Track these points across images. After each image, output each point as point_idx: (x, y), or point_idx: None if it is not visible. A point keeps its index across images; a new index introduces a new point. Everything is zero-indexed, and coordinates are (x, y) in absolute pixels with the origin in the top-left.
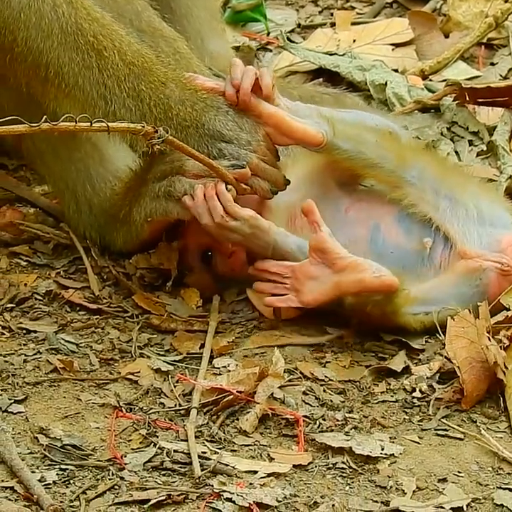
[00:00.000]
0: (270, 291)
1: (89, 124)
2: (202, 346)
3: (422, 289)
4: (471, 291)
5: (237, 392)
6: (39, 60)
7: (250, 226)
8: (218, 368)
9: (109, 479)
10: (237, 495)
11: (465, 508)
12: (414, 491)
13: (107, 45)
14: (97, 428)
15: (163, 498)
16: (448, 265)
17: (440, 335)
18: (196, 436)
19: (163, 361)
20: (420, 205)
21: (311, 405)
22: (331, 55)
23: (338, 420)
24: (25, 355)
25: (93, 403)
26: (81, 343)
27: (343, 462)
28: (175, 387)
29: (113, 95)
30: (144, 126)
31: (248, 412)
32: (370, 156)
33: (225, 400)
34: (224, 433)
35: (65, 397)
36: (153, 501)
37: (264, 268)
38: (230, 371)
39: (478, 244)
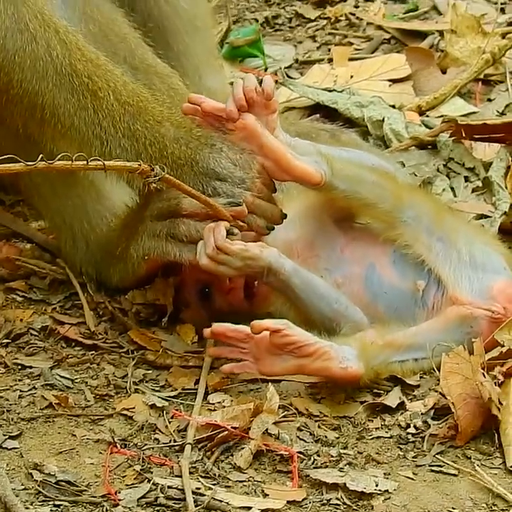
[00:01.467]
0: (226, 356)
1: (85, 162)
2: (197, 382)
3: (409, 334)
4: (463, 338)
5: (232, 427)
6: (35, 101)
7: (242, 258)
8: (213, 404)
9: None
10: None
11: None
12: None
13: (102, 85)
14: (92, 464)
15: None
16: (440, 309)
17: (435, 371)
18: (190, 472)
19: (158, 397)
20: (415, 246)
21: (305, 441)
22: (329, 91)
23: (332, 456)
24: (21, 391)
25: (88, 439)
26: (76, 378)
27: (337, 498)
28: (169, 423)
29: (108, 135)
30: (140, 165)
31: (242, 448)
32: (367, 196)
33: (219, 435)
34: (218, 469)
35: (59, 433)
36: None
37: (220, 332)
38: (224, 407)
39: (469, 290)
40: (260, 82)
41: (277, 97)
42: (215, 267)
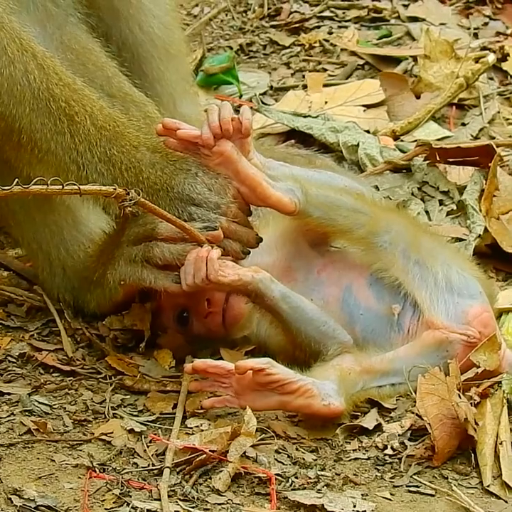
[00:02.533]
0: (207, 390)
1: (61, 187)
2: (175, 406)
3: (386, 360)
4: (438, 362)
5: (210, 451)
6: (12, 125)
7: (231, 287)
8: (191, 428)
9: None
10: None
11: None
12: None
13: (79, 110)
14: (71, 488)
15: None
16: (416, 333)
17: (411, 393)
18: (169, 496)
19: (137, 422)
20: (391, 269)
21: (283, 463)
22: (304, 117)
23: (310, 478)
24: None
25: (66, 464)
26: (54, 404)
27: None
28: (148, 447)
29: (85, 160)
30: (115, 189)
31: (221, 471)
32: (342, 223)
33: (197, 459)
34: (197, 492)
35: (38, 459)
36: None
37: (201, 368)
38: (202, 430)
39: (445, 314)
40: (236, 108)
41: (251, 119)
42: (202, 286)
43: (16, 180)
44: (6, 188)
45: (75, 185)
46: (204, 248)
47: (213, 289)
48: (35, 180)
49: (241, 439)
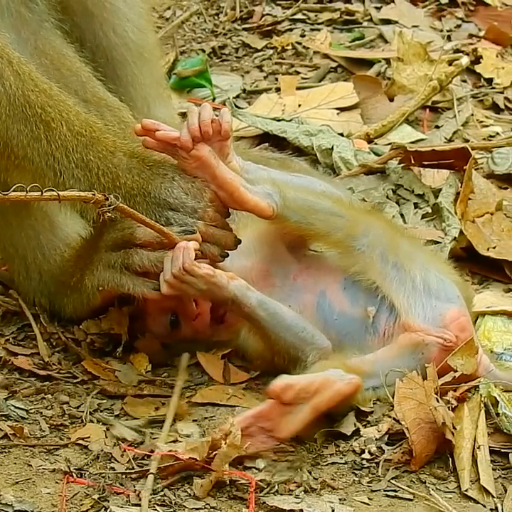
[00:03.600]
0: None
1: (40, 193)
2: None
3: (368, 362)
4: (415, 365)
5: (191, 458)
6: None
7: (206, 283)
8: (174, 434)
9: None
10: None
11: None
12: None
13: (55, 116)
14: (48, 493)
15: None
16: (392, 335)
17: (388, 397)
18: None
19: (113, 426)
20: (368, 273)
21: (260, 469)
22: (278, 120)
23: (288, 483)
24: None
25: (44, 469)
26: (31, 409)
27: None
28: (125, 451)
29: (62, 166)
30: (94, 194)
31: (202, 478)
32: (320, 227)
33: (177, 465)
34: (174, 496)
35: (15, 463)
36: None
37: (243, 425)
38: (188, 436)
39: (422, 317)
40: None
41: (231, 122)
42: (178, 285)
43: None
44: None
45: (54, 191)
46: (182, 242)
47: (192, 294)
48: (14, 187)
49: (226, 450)
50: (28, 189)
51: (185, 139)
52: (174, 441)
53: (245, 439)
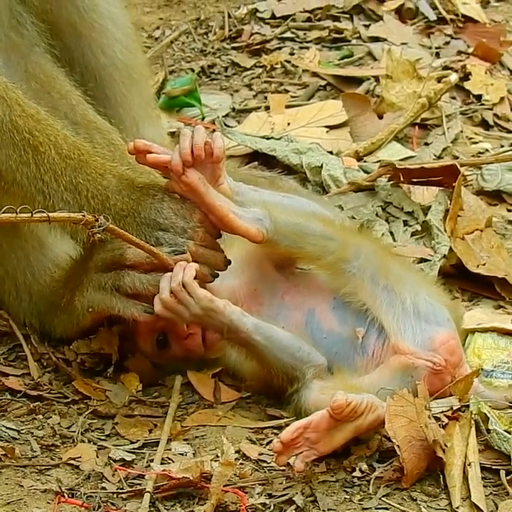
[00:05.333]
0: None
1: (30, 214)
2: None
3: (365, 385)
4: (404, 388)
5: (184, 477)
6: None
7: (202, 307)
8: (168, 452)
9: None
10: None
11: None
12: None
13: (43, 140)
14: None
15: None
16: (382, 356)
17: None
18: None
19: (104, 446)
20: (358, 294)
21: (251, 486)
22: (267, 138)
23: (278, 501)
24: None
25: (35, 489)
26: (22, 429)
27: None
28: (116, 471)
29: (51, 189)
30: (84, 215)
31: (195, 498)
32: (311, 250)
33: (170, 484)
34: None
35: (7, 484)
36: None
37: (288, 439)
38: (182, 454)
39: (411, 340)
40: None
41: (224, 146)
42: (175, 306)
43: None
44: None
45: (43, 212)
46: (182, 261)
47: (186, 318)
48: (4, 209)
49: (221, 469)
50: (18, 211)
51: (176, 163)
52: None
53: (290, 451)
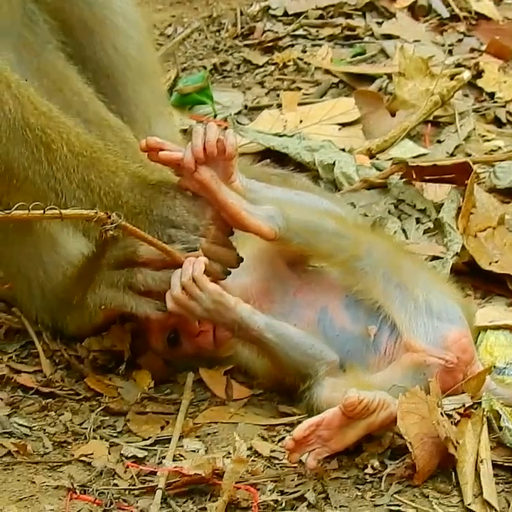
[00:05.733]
0: (303, 451)
1: (42, 211)
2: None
3: (372, 383)
4: (417, 385)
5: (196, 474)
6: None
7: (213, 301)
8: (180, 449)
9: None
10: None
11: None
12: None
13: (55, 137)
14: (52, 510)
15: None
16: (394, 354)
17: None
18: None
19: (116, 443)
20: (371, 292)
21: (263, 483)
22: (279, 136)
23: (290, 498)
24: None
25: (47, 485)
26: (34, 426)
27: None
28: (128, 468)
29: (63, 187)
30: (96, 212)
31: (207, 494)
32: (323, 248)
33: (182, 481)
34: None
35: (19, 480)
36: None
37: (300, 436)
38: (194, 451)
39: (424, 338)
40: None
41: (236, 143)
42: (186, 301)
43: None
44: None
45: (56, 209)
46: (191, 257)
47: (198, 314)
48: (16, 206)
49: (233, 466)
50: (30, 208)
51: (188, 160)
52: (177, 458)
53: (302, 448)
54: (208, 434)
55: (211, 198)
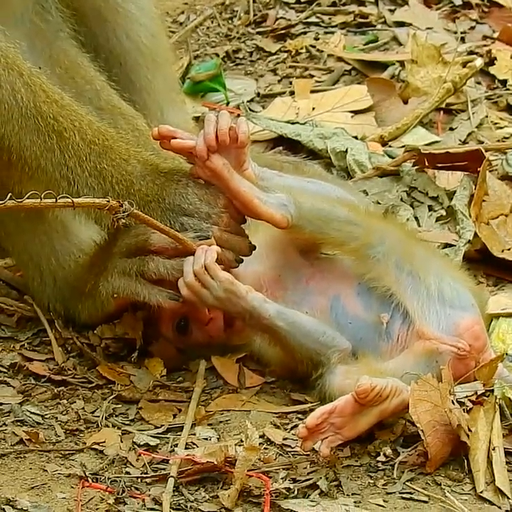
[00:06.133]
0: (316, 439)
1: (54, 200)
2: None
3: (384, 370)
4: (429, 372)
5: (208, 462)
6: (1, 144)
7: (224, 290)
8: (193, 437)
9: None
10: None
11: None
12: None
13: (67, 125)
14: (64, 498)
15: None
16: (407, 342)
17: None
18: (159, 504)
19: (129, 431)
20: (383, 280)
21: (276, 471)
22: (292, 123)
23: (303, 486)
24: None
25: (59, 474)
26: (46, 414)
27: None
28: (140, 456)
29: (75, 175)
30: (108, 201)
31: (219, 482)
32: (335, 236)
33: (194, 469)
34: (191, 500)
35: (31, 469)
36: None
37: (313, 424)
38: (206, 439)
39: (436, 325)
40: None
41: (249, 132)
42: (199, 289)
43: (10, 194)
44: None
45: (68, 198)
46: (203, 245)
47: (210, 303)
48: (28, 194)
49: (245, 453)
50: (42, 196)
51: (200, 148)
52: (189, 446)
53: (315, 436)
54: (220, 422)
55: (223, 186)
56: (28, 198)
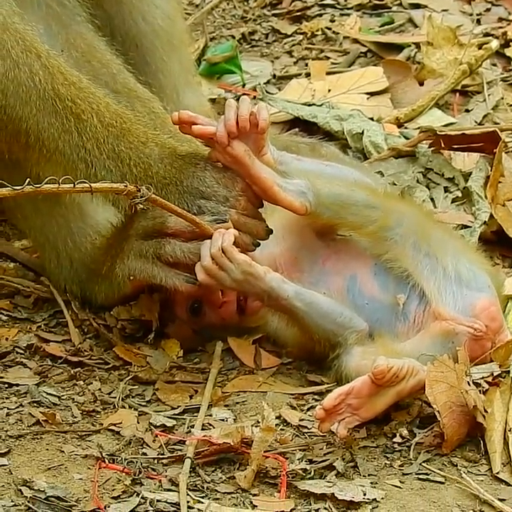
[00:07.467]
0: (333, 421)
1: (72, 185)
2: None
3: (401, 351)
4: (444, 354)
5: (225, 443)
6: (19, 127)
7: (242, 272)
8: (209, 418)
9: None
10: None
11: None
12: None
13: (85, 108)
14: (80, 479)
15: None
16: (423, 323)
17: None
18: (176, 485)
19: (145, 412)
20: (400, 261)
21: (292, 452)
22: (308, 105)
23: (319, 467)
24: (8, 409)
25: (76, 455)
26: (63, 395)
27: (325, 508)
28: (157, 437)
29: (93, 157)
30: (126, 186)
31: (235, 463)
32: (353, 220)
33: (211, 450)
34: (207, 481)
35: (47, 450)
36: None
37: (330, 406)
38: (223, 420)
39: (452, 306)
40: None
41: (269, 117)
42: (217, 272)
43: (28, 180)
44: (17, 187)
45: (86, 183)
46: (221, 229)
47: (228, 285)
48: (46, 180)
49: (262, 434)
50: (60, 181)
51: (221, 134)
52: (206, 427)
53: (332, 417)
54: (237, 403)
55: (244, 172)
56: (46, 184)
